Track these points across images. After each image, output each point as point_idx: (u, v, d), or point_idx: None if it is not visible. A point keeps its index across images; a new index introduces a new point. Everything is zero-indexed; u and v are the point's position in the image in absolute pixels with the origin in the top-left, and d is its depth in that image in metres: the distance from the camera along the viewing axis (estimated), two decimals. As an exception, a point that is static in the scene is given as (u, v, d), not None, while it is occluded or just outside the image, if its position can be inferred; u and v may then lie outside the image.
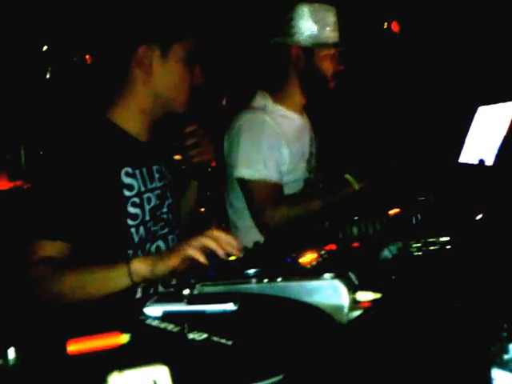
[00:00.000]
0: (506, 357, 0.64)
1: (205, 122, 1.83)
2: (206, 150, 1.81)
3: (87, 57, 4.47)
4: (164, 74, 1.62)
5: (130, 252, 1.54)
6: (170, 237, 1.69)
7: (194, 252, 1.28)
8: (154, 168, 1.69)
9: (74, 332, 0.87)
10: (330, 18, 2.29)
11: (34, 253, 1.43)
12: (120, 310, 1.07)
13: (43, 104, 4.08)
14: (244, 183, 2.23)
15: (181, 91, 1.66)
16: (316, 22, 2.26)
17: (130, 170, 1.58)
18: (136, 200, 1.58)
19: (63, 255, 1.43)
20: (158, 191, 1.68)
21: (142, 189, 1.61)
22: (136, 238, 1.57)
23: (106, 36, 1.84)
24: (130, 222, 1.56)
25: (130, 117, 1.64)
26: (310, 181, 2.40)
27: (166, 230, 1.68)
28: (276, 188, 2.24)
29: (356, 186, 2.17)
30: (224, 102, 4.59)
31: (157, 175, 1.69)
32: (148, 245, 1.60)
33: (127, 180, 1.57)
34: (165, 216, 1.70)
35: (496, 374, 0.64)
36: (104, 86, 1.75)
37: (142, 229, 1.58)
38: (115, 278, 1.36)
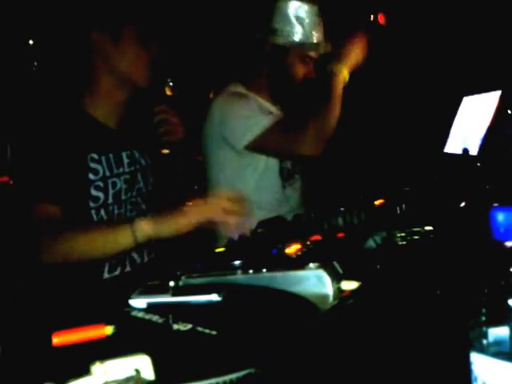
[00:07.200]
0: (485, 341, 0.65)
1: (193, 115, 1.89)
2: (175, 129, 1.87)
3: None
4: (120, 56, 1.70)
5: None
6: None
7: (202, 219, 1.47)
8: (124, 154, 1.78)
9: (60, 324, 0.87)
10: (312, 18, 2.25)
11: (35, 215, 1.54)
12: (105, 302, 1.07)
13: (29, 98, 4.05)
14: (253, 145, 2.19)
15: (140, 67, 1.73)
16: (297, 21, 2.23)
17: (95, 155, 1.68)
18: (100, 184, 1.68)
19: (59, 218, 1.56)
20: (127, 176, 1.77)
21: (107, 174, 1.70)
22: (95, 219, 1.67)
23: (58, 25, 1.93)
24: (91, 203, 1.66)
25: (99, 104, 1.73)
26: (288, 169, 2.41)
27: (134, 213, 1.78)
28: (280, 121, 2.21)
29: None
30: (211, 96, 4.57)
31: (126, 160, 1.78)
32: None
33: (92, 165, 1.67)
34: (133, 199, 1.79)
35: (475, 358, 0.64)
36: (75, 76, 1.81)
37: (102, 211, 1.68)
38: (121, 238, 1.49)
